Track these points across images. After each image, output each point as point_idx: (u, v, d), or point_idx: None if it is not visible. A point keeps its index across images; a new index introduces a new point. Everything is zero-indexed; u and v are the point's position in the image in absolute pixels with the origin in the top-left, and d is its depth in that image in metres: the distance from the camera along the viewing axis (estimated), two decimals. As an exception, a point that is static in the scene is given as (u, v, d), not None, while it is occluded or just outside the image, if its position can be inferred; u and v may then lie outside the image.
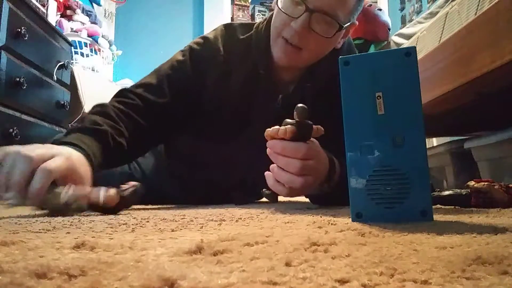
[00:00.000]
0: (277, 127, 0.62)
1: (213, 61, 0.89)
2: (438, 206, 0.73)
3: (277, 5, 0.78)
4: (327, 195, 0.74)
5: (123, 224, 0.46)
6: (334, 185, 0.70)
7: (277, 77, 0.88)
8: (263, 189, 0.70)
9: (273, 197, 0.71)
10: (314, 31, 0.74)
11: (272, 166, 0.63)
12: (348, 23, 0.78)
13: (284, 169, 0.61)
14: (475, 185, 0.69)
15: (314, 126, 0.62)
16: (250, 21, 0.96)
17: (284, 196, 0.66)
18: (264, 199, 1.29)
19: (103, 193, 0.57)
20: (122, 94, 0.85)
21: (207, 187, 1.00)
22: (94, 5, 2.60)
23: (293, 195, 0.67)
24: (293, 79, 0.89)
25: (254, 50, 0.88)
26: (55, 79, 1.70)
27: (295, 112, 0.60)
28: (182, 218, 0.55)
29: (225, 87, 0.89)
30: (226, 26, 0.95)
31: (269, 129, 0.63)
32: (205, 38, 0.93)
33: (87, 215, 0.58)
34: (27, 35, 1.43)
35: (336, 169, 0.70)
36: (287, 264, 0.23)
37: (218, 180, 0.99)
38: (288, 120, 0.62)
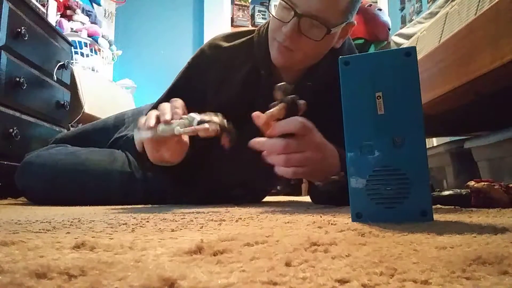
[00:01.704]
0: (269, 111, 0.62)
1: (213, 65, 0.93)
2: (438, 206, 0.73)
3: (270, 12, 0.82)
4: (337, 192, 0.74)
5: (123, 224, 0.46)
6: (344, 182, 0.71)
7: (277, 78, 0.89)
8: (278, 187, 0.70)
9: (288, 186, 0.70)
10: (304, 35, 0.76)
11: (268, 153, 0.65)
12: (341, 24, 0.79)
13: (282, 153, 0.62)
14: (475, 185, 0.69)
15: (300, 101, 0.62)
16: (235, 31, 1.02)
17: (292, 177, 0.65)
18: (264, 199, 1.30)
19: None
20: None
21: (207, 187, 1.01)
22: (94, 5, 2.60)
23: (299, 175, 0.65)
24: (293, 80, 0.90)
25: (256, 51, 0.90)
26: (55, 79, 1.70)
27: (278, 91, 0.61)
28: (182, 218, 0.55)
29: (225, 88, 0.91)
30: (208, 43, 0.99)
31: (262, 116, 0.62)
32: (200, 50, 0.97)
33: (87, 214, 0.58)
34: (27, 35, 1.42)
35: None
36: (287, 264, 0.23)
37: (218, 179, 0.99)
38: (275, 103, 0.62)
